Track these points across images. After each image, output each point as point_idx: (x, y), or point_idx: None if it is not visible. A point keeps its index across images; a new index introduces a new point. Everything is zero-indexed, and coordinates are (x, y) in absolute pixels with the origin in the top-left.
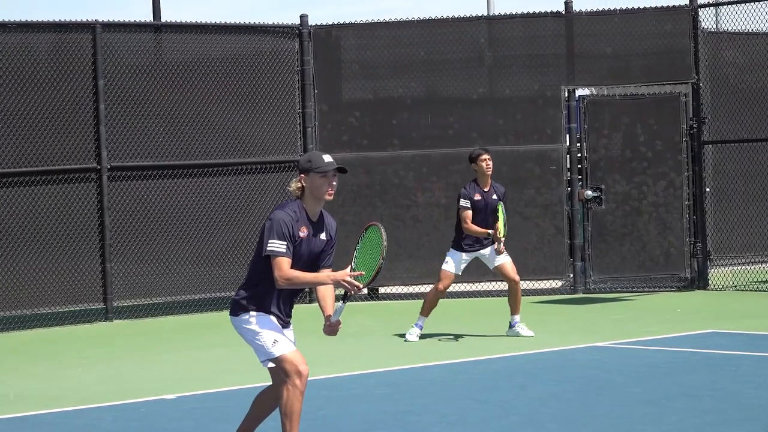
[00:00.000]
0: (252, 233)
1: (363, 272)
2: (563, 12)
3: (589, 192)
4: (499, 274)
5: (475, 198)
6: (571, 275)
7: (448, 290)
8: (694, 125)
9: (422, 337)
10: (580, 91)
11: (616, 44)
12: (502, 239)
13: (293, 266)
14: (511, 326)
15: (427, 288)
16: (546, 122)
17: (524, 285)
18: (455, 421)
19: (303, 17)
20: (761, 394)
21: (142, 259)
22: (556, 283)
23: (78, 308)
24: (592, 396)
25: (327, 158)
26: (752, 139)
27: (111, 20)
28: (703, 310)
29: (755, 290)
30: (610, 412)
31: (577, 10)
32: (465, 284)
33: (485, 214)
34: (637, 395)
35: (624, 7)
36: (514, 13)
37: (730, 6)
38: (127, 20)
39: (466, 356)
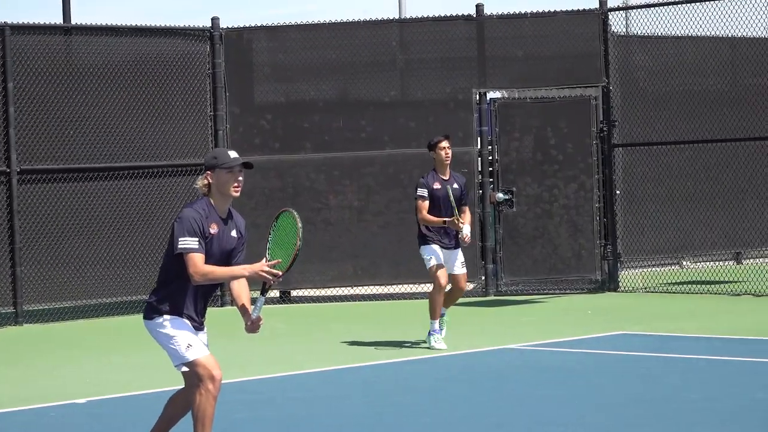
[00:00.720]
0: (163, 236)
1: (280, 260)
2: (474, 15)
3: (500, 195)
4: (451, 280)
5: (435, 187)
6: (483, 277)
7: (375, 291)
8: (605, 128)
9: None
10: (491, 94)
11: (527, 47)
12: (462, 225)
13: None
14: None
15: (338, 291)
16: (457, 125)
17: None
18: (373, 424)
19: (214, 20)
20: (669, 395)
21: (53, 263)
22: (468, 286)
23: None
24: (503, 398)
25: (233, 154)
26: (661, 141)
27: (20, 22)
28: (614, 311)
29: (665, 292)
30: (521, 413)
31: (489, 14)
32: (380, 287)
33: (445, 205)
34: (548, 396)
35: (535, 11)
36: (425, 16)
37: (639, 10)
38: (36, 22)
39: (382, 358)
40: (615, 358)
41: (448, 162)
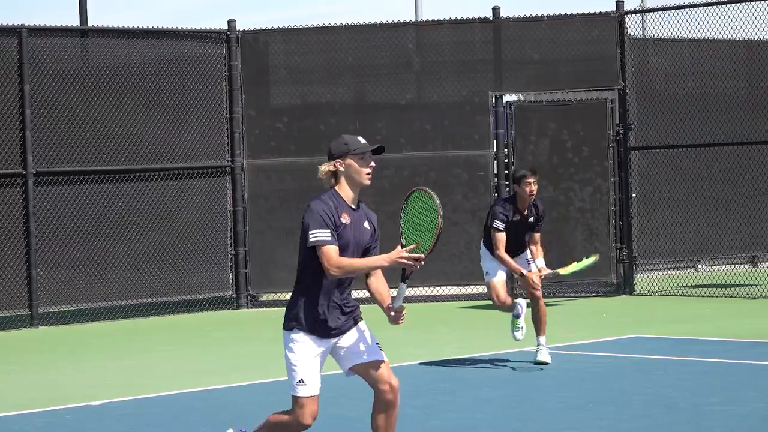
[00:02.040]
0: (179, 239)
1: (419, 243)
2: (491, 18)
3: None
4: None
5: (514, 219)
6: None
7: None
8: (621, 131)
9: None
10: (507, 97)
11: (543, 50)
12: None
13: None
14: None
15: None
16: (473, 128)
17: (452, 290)
18: None
19: (231, 22)
20: (688, 398)
21: (68, 265)
22: (483, 289)
23: (3, 315)
24: (522, 401)
25: (362, 140)
26: (678, 145)
27: (37, 25)
28: (629, 314)
29: (680, 295)
30: (541, 417)
31: (505, 16)
32: (390, 290)
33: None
34: (567, 400)
35: (551, 14)
36: (442, 19)
37: (656, 13)
38: (53, 25)
39: (393, 362)
40: (630, 361)
41: (532, 198)
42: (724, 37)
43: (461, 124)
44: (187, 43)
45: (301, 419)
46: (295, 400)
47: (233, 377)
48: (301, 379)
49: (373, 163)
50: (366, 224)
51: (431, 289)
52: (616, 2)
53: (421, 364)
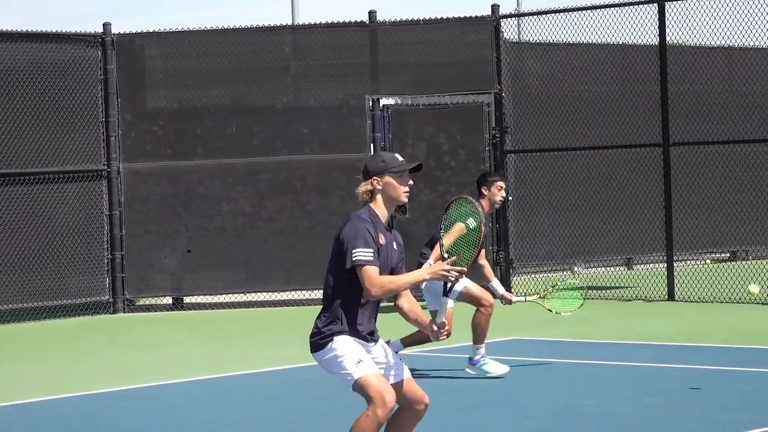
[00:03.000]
0: (55, 243)
1: (459, 255)
2: (367, 22)
3: None
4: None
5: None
6: None
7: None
8: (497, 135)
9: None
10: (384, 101)
11: (419, 54)
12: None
13: None
14: (472, 362)
15: (231, 297)
16: (351, 131)
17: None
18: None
19: (106, 26)
20: (565, 400)
21: None
22: None
23: None
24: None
25: (399, 156)
26: (553, 148)
27: None
28: (506, 317)
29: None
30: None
31: (381, 20)
32: (272, 293)
33: None
34: (445, 402)
35: (428, 18)
36: (318, 22)
37: (531, 17)
38: None
39: (269, 365)
40: (508, 364)
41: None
42: (599, 41)
43: (338, 128)
44: (63, 46)
45: (381, 397)
46: (362, 385)
47: (109, 383)
48: (359, 360)
49: (411, 182)
50: (395, 245)
51: (309, 293)
52: (492, 6)
53: (294, 367)
